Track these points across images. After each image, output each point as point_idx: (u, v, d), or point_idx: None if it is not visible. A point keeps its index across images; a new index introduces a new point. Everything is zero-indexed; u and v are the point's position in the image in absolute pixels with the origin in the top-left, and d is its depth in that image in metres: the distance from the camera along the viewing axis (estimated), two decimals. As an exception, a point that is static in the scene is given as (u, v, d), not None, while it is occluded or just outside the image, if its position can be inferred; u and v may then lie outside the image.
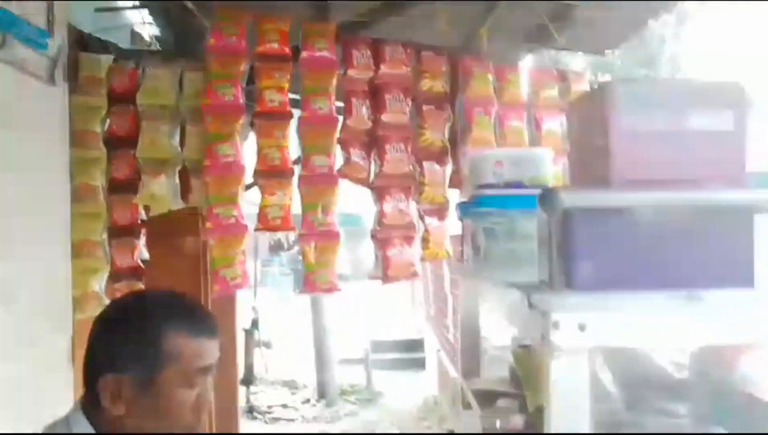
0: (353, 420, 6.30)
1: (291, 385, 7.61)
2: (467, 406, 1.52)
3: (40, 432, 1.04)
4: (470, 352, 1.56)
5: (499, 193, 1.37)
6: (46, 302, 2.02)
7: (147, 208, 2.62)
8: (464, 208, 1.60)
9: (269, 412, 6.51)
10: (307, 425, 6.16)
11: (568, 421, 0.74)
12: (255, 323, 6.43)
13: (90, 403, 1.05)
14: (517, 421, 1.11)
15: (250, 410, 6.45)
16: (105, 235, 2.48)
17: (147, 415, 1.02)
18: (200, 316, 1.09)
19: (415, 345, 8.84)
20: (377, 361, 8.03)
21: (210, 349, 1.06)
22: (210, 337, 1.07)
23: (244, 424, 5.66)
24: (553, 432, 0.75)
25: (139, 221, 2.64)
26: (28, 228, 1.93)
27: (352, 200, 3.20)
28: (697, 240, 0.87)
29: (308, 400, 6.97)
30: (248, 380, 6.55)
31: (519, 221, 1.28)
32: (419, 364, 8.28)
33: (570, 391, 0.75)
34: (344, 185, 2.52)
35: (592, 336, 0.76)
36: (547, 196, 0.87)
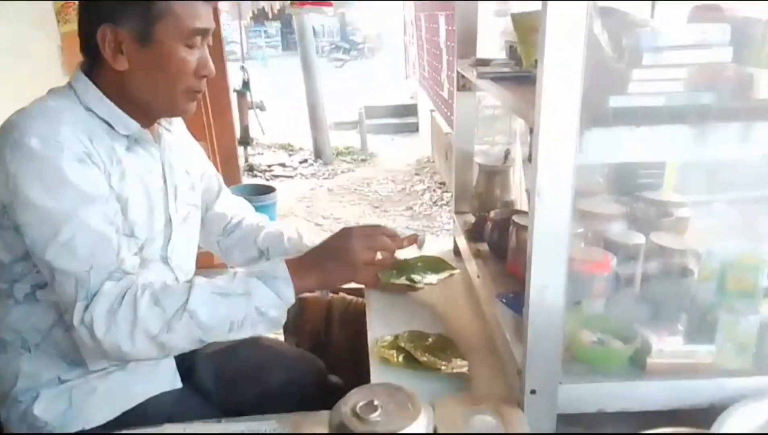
0: (350, 176, 6.64)
1: (288, 148, 7.87)
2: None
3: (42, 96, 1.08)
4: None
5: None
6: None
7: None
8: None
9: (269, 170, 6.83)
10: (305, 181, 6.52)
11: (561, 70, 0.79)
12: (246, 84, 6.41)
13: (91, 67, 1.08)
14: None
15: (250, 169, 6.76)
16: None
17: (150, 71, 1.06)
18: None
19: (408, 110, 8.96)
20: (371, 126, 8.20)
21: (204, 11, 1.07)
22: None
23: (246, 179, 5.98)
24: (545, 81, 0.80)
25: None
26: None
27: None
28: None
29: (305, 160, 7.27)
30: (245, 141, 6.75)
31: None
32: (412, 129, 8.49)
33: (564, 42, 0.78)
34: None
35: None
36: None
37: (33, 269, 1.06)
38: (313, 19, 7.04)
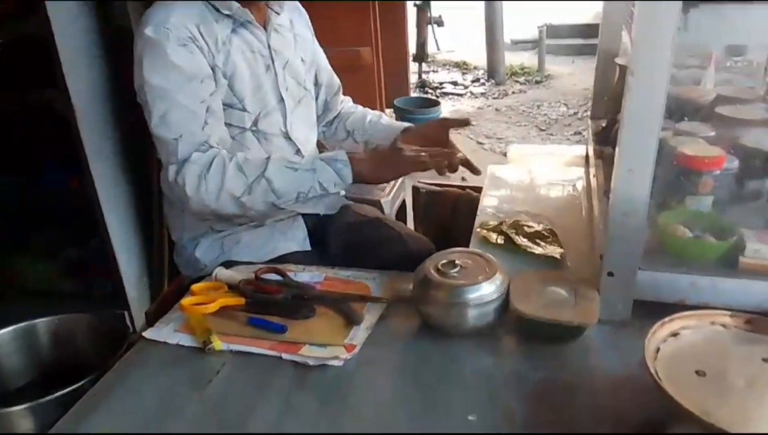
0: (521, 97, 6.45)
1: (462, 66, 7.80)
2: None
3: None
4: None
5: None
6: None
7: None
8: None
9: (440, 88, 6.87)
10: (474, 100, 6.47)
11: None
12: (426, -2, 6.39)
13: None
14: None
15: (422, 85, 6.86)
16: None
17: None
18: None
19: (593, 30, 8.28)
20: (551, 46, 7.76)
21: None
22: None
23: (415, 94, 6.11)
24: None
25: None
26: None
27: None
28: None
29: (478, 80, 7.17)
30: (420, 56, 6.82)
31: None
32: (596, 51, 7.87)
33: None
34: None
35: None
36: None
37: None
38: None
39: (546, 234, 1.25)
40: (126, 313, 1.62)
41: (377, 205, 1.91)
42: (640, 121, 0.85)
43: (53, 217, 2.35)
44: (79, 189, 1.78)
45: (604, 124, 1.49)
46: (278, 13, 1.35)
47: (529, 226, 1.28)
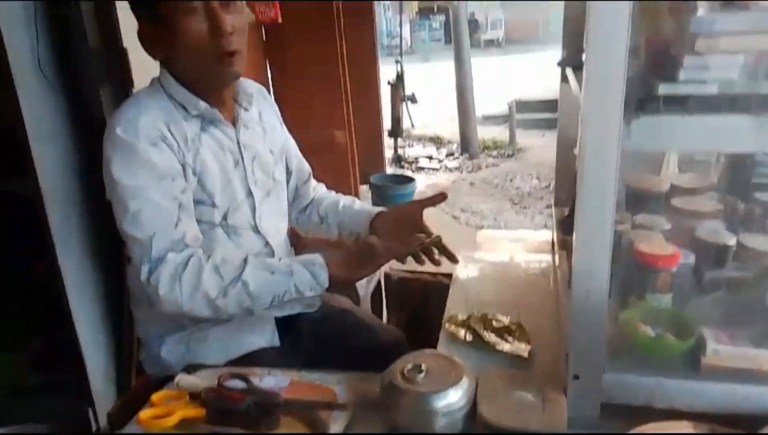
0: (493, 170, 6.62)
1: (436, 141, 8.01)
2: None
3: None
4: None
5: None
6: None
7: None
8: None
9: (416, 162, 7.02)
10: (449, 174, 6.61)
11: (605, 56, 0.80)
12: (400, 77, 6.62)
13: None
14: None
15: (399, 159, 7.01)
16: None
17: (176, 49, 1.19)
18: None
19: (563, 105, 8.61)
20: (522, 120, 8.05)
21: None
22: None
23: (393, 170, 6.23)
24: (589, 67, 0.82)
25: None
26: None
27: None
28: None
29: (452, 154, 7.36)
30: (395, 132, 6.99)
31: None
32: (566, 124, 8.15)
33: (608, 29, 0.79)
34: None
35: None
36: None
37: None
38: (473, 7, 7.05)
39: (514, 328, 1.25)
40: (90, 410, 1.56)
41: (353, 286, 1.90)
42: (592, 225, 0.88)
43: (18, 305, 2.29)
44: (45, 276, 1.74)
45: (567, 213, 1.52)
46: (247, 110, 1.37)
47: (497, 320, 1.28)
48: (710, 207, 1.23)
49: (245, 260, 1.18)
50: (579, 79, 1.10)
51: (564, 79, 1.54)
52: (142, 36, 1.22)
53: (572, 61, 1.22)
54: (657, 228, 1.21)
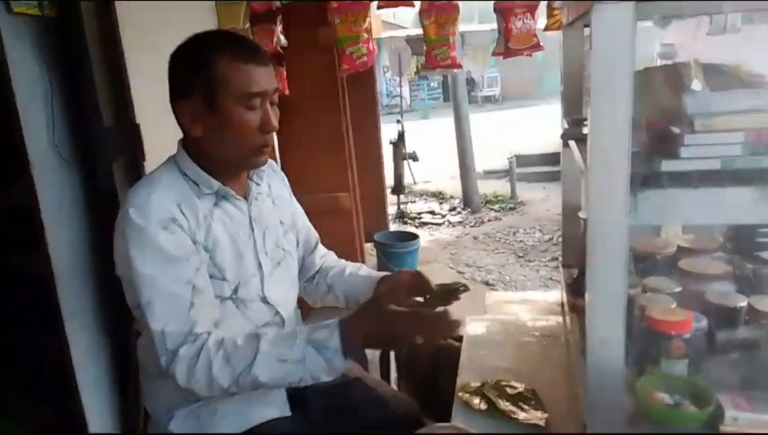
0: (496, 224, 6.63)
1: (438, 196, 8.08)
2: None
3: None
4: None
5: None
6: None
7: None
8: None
9: (419, 217, 7.06)
10: (452, 229, 6.63)
11: (608, 131, 0.83)
12: (401, 136, 6.76)
13: (184, 140, 1.30)
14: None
15: (402, 215, 7.05)
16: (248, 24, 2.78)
17: (219, 133, 1.23)
18: (248, 46, 1.24)
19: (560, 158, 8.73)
20: (522, 174, 8.14)
21: (260, 75, 1.21)
22: (258, 63, 1.22)
23: (397, 226, 6.26)
24: (592, 141, 0.84)
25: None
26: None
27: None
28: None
29: (454, 208, 7.41)
30: (398, 189, 7.07)
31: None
32: (566, 176, 8.24)
33: (611, 105, 0.82)
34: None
35: None
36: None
37: None
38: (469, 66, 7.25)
39: (528, 395, 1.24)
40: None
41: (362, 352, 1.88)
42: (604, 295, 0.89)
43: (27, 377, 2.27)
44: (54, 349, 1.74)
45: (575, 275, 1.53)
46: (258, 184, 1.40)
47: (511, 387, 1.27)
48: (719, 269, 1.24)
49: (257, 347, 1.16)
50: (581, 151, 1.14)
51: (566, 144, 1.58)
52: (182, 111, 1.24)
53: (574, 134, 1.26)
54: (666, 291, 1.21)
